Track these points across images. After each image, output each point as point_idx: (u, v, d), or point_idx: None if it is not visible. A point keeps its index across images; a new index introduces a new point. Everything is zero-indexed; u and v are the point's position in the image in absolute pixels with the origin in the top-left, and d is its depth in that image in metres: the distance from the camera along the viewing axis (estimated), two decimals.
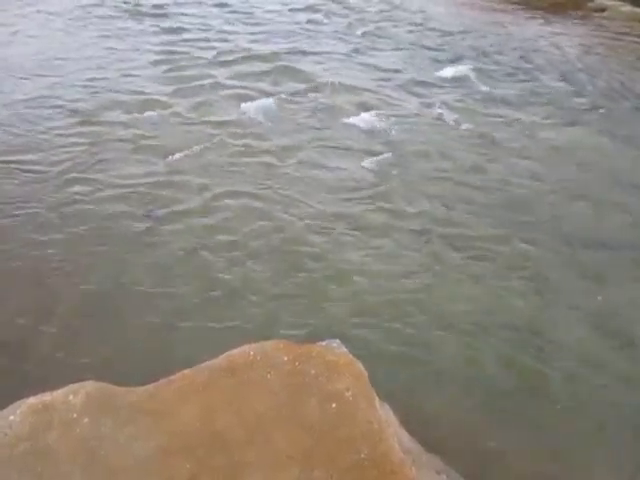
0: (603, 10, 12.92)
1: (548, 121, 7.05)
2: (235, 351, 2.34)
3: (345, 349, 2.62)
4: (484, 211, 5.15)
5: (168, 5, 12.00)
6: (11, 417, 2.32)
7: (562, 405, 3.45)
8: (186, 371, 2.33)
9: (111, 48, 9.13)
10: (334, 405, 2.20)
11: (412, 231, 4.78)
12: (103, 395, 2.33)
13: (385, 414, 2.42)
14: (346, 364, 2.32)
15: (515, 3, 13.46)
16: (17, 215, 4.86)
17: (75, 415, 2.29)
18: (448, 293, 4.17)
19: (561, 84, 8.35)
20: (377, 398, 2.34)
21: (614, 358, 3.76)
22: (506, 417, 3.33)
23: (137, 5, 11.85)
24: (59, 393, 2.40)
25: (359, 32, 10.59)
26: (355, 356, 2.51)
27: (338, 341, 2.70)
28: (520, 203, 5.30)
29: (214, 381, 2.24)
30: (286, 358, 2.28)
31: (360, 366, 2.35)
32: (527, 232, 4.88)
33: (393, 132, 6.50)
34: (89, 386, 2.39)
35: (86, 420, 2.27)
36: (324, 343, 2.65)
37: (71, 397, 2.37)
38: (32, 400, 2.40)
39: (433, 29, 11.02)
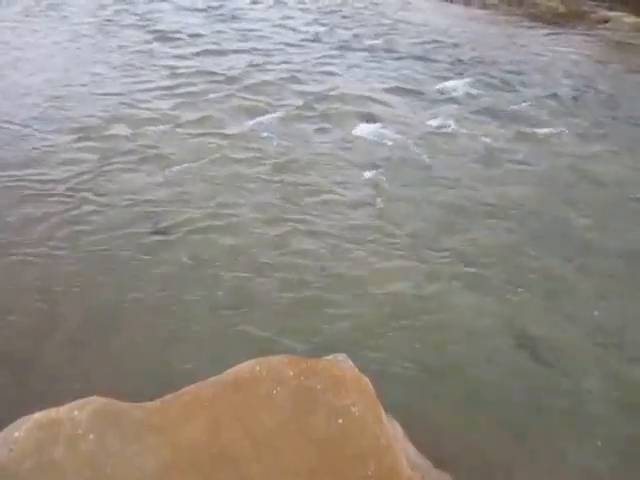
0: (606, 21, 12.97)
1: (553, 134, 7.05)
2: (241, 366, 2.33)
3: (351, 363, 2.59)
4: (487, 223, 5.13)
5: (174, 21, 12.15)
6: (16, 433, 2.31)
7: (572, 419, 3.41)
8: (192, 386, 2.31)
9: (117, 63, 9.24)
10: (341, 420, 2.18)
11: (416, 244, 4.77)
12: (109, 411, 2.32)
13: (392, 429, 2.40)
14: (353, 379, 2.30)
15: (519, 15, 13.55)
16: (23, 229, 4.88)
17: (81, 431, 2.27)
18: (453, 306, 4.14)
19: (566, 96, 8.37)
20: (384, 413, 2.32)
21: (625, 371, 3.72)
22: (516, 431, 3.29)
23: (144, 20, 11.98)
24: (65, 409, 2.39)
25: (363, 45, 10.67)
26: (361, 370, 2.49)
27: (344, 355, 2.68)
28: (524, 215, 5.28)
29: (220, 396, 2.23)
30: (292, 373, 2.26)
31: (367, 381, 2.33)
32: (531, 244, 4.85)
33: (397, 144, 6.51)
34: (95, 402, 2.37)
35: (92, 436, 2.25)
36: (330, 357, 2.63)
37: (76, 413, 2.35)
38: (37, 416, 2.38)
39: (437, 41, 11.09)
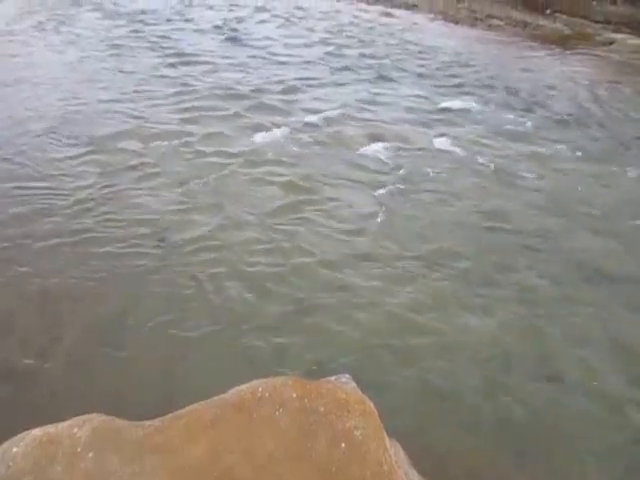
0: (611, 43, 13.06)
1: (558, 153, 7.06)
2: (244, 387, 2.30)
3: (355, 384, 2.57)
4: (492, 243, 5.11)
5: (184, 41, 12.29)
6: (15, 449, 2.28)
7: (578, 444, 3.36)
8: (194, 406, 2.28)
9: (126, 79, 9.32)
10: (343, 445, 2.14)
11: (421, 264, 4.75)
12: (109, 429, 2.29)
13: (395, 454, 2.36)
14: (356, 402, 2.27)
15: (524, 37, 13.65)
16: (29, 242, 4.89)
17: (79, 449, 2.24)
18: (458, 326, 4.11)
19: (570, 116, 8.40)
20: (387, 438, 2.28)
21: (633, 395, 3.67)
22: (521, 456, 3.24)
23: (155, 39, 12.12)
24: (64, 426, 2.36)
25: (370, 65, 10.75)
26: (365, 392, 2.46)
27: (348, 376, 2.65)
28: (529, 235, 5.27)
29: (222, 417, 2.20)
30: (295, 395, 2.23)
31: (370, 404, 2.30)
32: (536, 264, 4.83)
33: (402, 164, 6.52)
34: (95, 419, 2.35)
35: (91, 455, 2.22)
36: (334, 378, 2.60)
37: (76, 430, 2.32)
38: (37, 432, 2.35)
39: (444, 62, 11.17)
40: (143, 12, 14.80)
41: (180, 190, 5.75)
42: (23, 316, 4.08)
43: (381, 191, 5.85)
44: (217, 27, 13.52)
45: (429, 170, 6.44)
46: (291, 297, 4.29)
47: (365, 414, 2.26)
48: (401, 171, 6.36)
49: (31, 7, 15.08)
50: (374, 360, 3.75)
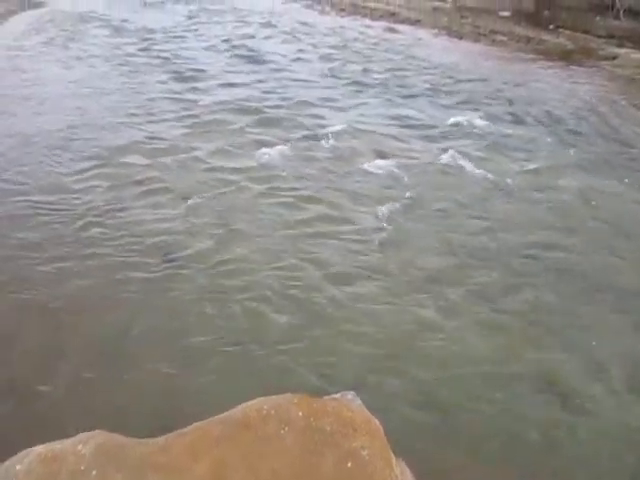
0: (614, 58, 13.10)
1: (562, 168, 7.05)
2: (249, 404, 2.28)
3: (360, 402, 2.54)
4: (498, 260, 5.09)
5: (191, 56, 12.41)
6: (18, 466, 2.26)
7: (585, 462, 3.32)
8: (199, 424, 2.27)
9: (131, 93, 9.42)
10: (350, 464, 2.12)
11: (427, 281, 4.73)
12: (113, 447, 2.27)
13: (401, 473, 2.33)
14: (363, 421, 2.25)
15: (527, 52, 13.72)
16: (34, 255, 4.91)
17: (83, 467, 2.23)
18: (464, 344, 4.09)
19: (574, 131, 8.41)
20: (393, 457, 2.26)
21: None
22: (530, 477, 3.20)
23: (163, 55, 12.25)
24: (68, 443, 2.35)
25: (374, 80, 10.81)
26: (370, 409, 2.44)
27: (353, 393, 2.63)
28: (536, 250, 5.25)
29: (227, 435, 2.18)
30: (301, 413, 2.21)
31: (377, 423, 2.28)
32: (542, 281, 4.80)
33: (407, 179, 6.53)
34: (99, 436, 2.33)
35: (94, 472, 2.20)
36: (339, 395, 2.58)
37: (80, 447, 2.31)
38: (40, 449, 2.34)
39: (448, 77, 11.22)
40: (150, 29, 14.98)
41: (186, 205, 5.77)
42: (26, 330, 4.08)
43: (387, 206, 5.85)
44: (223, 42, 13.66)
45: (435, 185, 6.44)
46: (296, 312, 4.28)
47: (371, 433, 2.24)
48: (407, 186, 6.36)
49: (40, 24, 15.29)
50: (379, 376, 3.72)
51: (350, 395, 2.60)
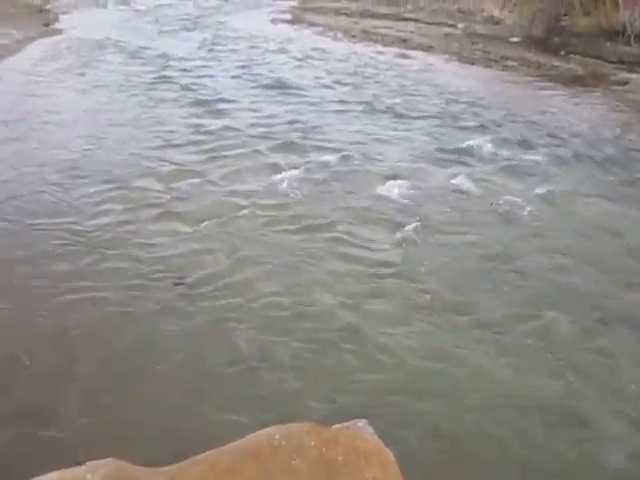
0: (625, 83, 13.13)
1: (574, 194, 7.01)
2: (260, 433, 2.25)
3: (371, 430, 2.50)
4: (512, 287, 5.03)
5: (201, 77, 12.63)
6: None
7: None
8: (209, 453, 2.23)
9: (147, 118, 9.57)
10: None
11: (440, 308, 4.68)
12: (122, 476, 2.25)
13: None
14: (375, 451, 2.21)
15: (539, 77, 13.79)
16: (47, 277, 4.94)
17: None
18: (477, 372, 4.02)
19: (585, 156, 8.38)
20: None
21: None
22: None
23: (174, 78, 12.46)
24: (78, 471, 2.32)
25: (386, 105, 10.91)
26: (381, 437, 2.40)
27: (365, 421, 2.58)
28: (547, 278, 5.19)
29: (238, 465, 2.14)
30: (313, 443, 2.18)
31: (390, 454, 2.24)
32: (555, 309, 4.73)
33: (419, 203, 6.53)
34: (109, 465, 2.30)
35: None
36: (350, 423, 2.54)
37: (89, 477, 2.28)
38: (54, 476, 2.32)
39: (458, 102, 11.30)
40: (165, 55, 15.29)
41: (198, 229, 5.80)
42: (38, 353, 4.08)
43: (398, 230, 5.83)
44: (238, 68, 13.91)
45: (447, 209, 6.43)
46: (308, 338, 4.25)
47: (384, 464, 2.20)
48: (419, 210, 6.35)
49: (56, 50, 15.67)
50: (392, 404, 3.67)
51: (362, 423, 2.56)
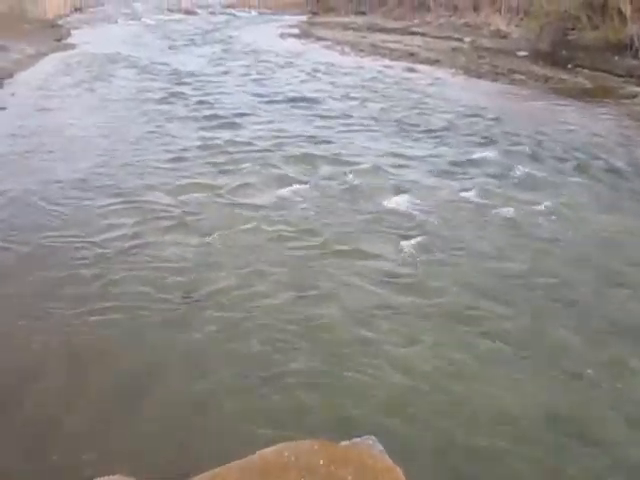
0: (634, 96, 13.13)
1: (583, 207, 6.98)
2: (269, 450, 2.24)
3: (381, 447, 2.48)
4: (521, 300, 4.99)
5: (211, 91, 12.76)
6: None
7: None
8: (218, 469, 2.22)
9: (157, 132, 9.66)
10: None
11: (449, 322, 4.65)
12: None
13: None
14: (385, 470, 2.18)
15: (546, 91, 13.82)
16: (54, 291, 4.96)
17: None
18: (487, 388, 3.97)
19: (594, 169, 8.35)
20: None
21: None
22: None
23: (185, 92, 12.58)
24: None
25: (394, 119, 10.96)
26: (391, 454, 2.38)
27: (374, 438, 2.57)
28: (556, 291, 5.14)
29: None
30: (322, 461, 2.16)
31: (399, 473, 2.21)
32: (566, 322, 4.69)
33: (427, 217, 6.51)
34: None
35: None
36: (359, 440, 2.53)
37: None
38: None
39: (466, 115, 11.32)
40: (176, 69, 15.48)
41: (206, 242, 5.82)
42: (47, 368, 4.08)
43: (407, 244, 5.81)
44: (248, 82, 14.06)
45: (455, 223, 6.41)
46: (316, 352, 4.23)
47: None
48: (427, 224, 6.33)
49: (68, 65, 15.90)
50: (400, 421, 3.63)
51: (370, 440, 2.55)
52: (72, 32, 22.65)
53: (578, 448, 3.53)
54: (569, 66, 16.12)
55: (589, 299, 5.03)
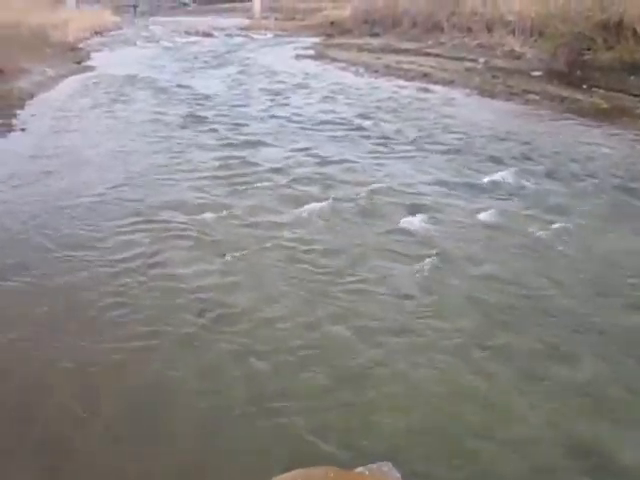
0: None
1: (600, 228, 6.88)
2: (283, 477, 2.20)
3: (398, 475, 2.43)
4: (538, 323, 4.90)
5: (229, 115, 12.91)
6: None
7: None
8: None
9: (174, 152, 9.78)
10: None
11: (465, 341, 4.58)
12: None
13: None
14: None
15: (561, 111, 13.77)
16: (68, 309, 4.99)
17: None
18: (503, 412, 3.90)
19: (611, 189, 8.25)
20: None
21: None
22: None
23: (203, 112, 12.76)
24: None
25: (408, 139, 10.98)
26: None
27: (390, 464, 2.51)
28: (574, 314, 5.05)
29: None
30: None
31: None
32: (582, 345, 4.60)
33: (443, 238, 6.47)
34: None
35: None
36: (375, 466, 2.47)
37: None
38: None
39: (480, 136, 11.31)
40: (193, 91, 15.72)
41: (222, 262, 5.84)
42: (58, 386, 4.08)
43: (423, 264, 5.76)
44: (263, 102, 14.22)
45: (472, 244, 6.35)
46: (330, 374, 4.19)
47: None
48: (443, 245, 6.28)
49: (87, 87, 16.23)
50: (416, 446, 3.56)
51: (386, 467, 2.49)
52: (92, 55, 23.16)
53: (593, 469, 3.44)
54: (584, 86, 16.06)
55: (610, 326, 4.91)
